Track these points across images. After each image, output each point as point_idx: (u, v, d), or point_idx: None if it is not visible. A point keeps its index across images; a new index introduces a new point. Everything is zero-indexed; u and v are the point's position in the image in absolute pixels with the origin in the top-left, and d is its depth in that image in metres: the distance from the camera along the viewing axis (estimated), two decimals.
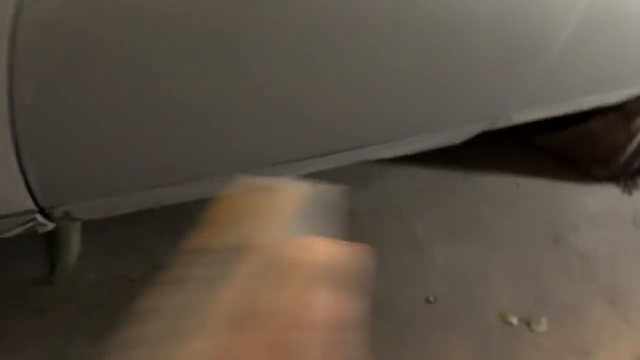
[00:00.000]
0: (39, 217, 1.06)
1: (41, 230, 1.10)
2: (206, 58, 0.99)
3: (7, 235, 1.07)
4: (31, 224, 1.06)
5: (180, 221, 1.77)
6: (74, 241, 1.57)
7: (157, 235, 1.72)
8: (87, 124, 0.98)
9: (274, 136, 1.22)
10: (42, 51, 0.85)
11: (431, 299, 1.72)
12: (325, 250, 0.29)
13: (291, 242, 0.29)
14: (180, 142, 1.09)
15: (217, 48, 0.98)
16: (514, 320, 1.69)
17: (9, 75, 0.83)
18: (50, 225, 1.10)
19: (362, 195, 1.96)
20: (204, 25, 0.95)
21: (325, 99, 1.22)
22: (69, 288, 1.54)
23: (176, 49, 0.95)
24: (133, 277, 1.59)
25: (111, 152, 1.04)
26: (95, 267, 1.60)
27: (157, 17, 0.90)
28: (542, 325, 1.69)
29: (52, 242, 1.56)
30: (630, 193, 2.24)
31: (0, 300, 1.47)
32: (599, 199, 2.19)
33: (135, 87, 0.96)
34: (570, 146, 2.24)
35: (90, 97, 0.94)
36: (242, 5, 0.96)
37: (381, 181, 2.05)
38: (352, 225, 1.79)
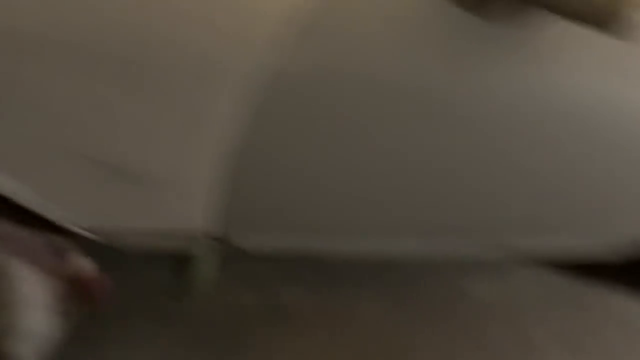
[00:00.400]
0: (206, 239, 1.16)
1: (198, 249, 1.19)
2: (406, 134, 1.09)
3: (165, 247, 1.17)
4: (197, 242, 1.16)
5: (304, 269, 1.85)
6: (214, 265, 1.68)
7: (282, 277, 1.80)
8: (290, 168, 1.08)
9: (445, 210, 1.27)
10: (274, 96, 0.98)
11: None
12: None
13: None
14: (361, 201, 1.17)
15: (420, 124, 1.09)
16: None
17: (239, 112, 0.96)
18: (211, 247, 1.19)
19: (489, 285, 1.94)
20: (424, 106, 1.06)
21: (495, 186, 1.26)
22: (196, 306, 1.64)
23: (388, 117, 1.06)
24: (251, 310, 1.67)
25: (299, 197, 1.13)
26: (224, 291, 1.70)
27: (381, 88, 1.02)
28: None
29: (192, 261, 1.68)
30: None
31: (129, 303, 1.60)
32: None
33: (346, 145, 1.07)
34: None
35: (303, 147, 1.05)
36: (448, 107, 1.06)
37: (511, 275, 2.01)
38: (469, 312, 1.76)
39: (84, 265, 1.04)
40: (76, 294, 1.03)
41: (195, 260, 1.65)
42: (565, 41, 1.14)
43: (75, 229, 1.01)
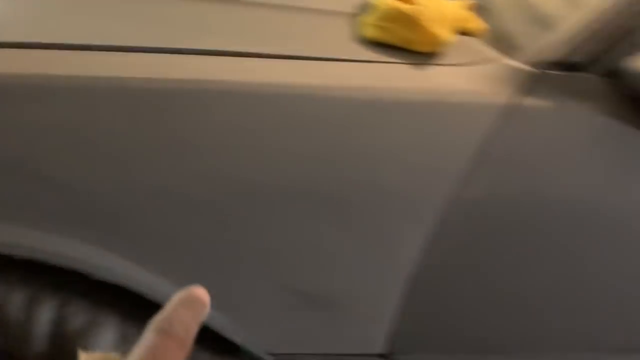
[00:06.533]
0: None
1: None
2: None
3: None
4: None
5: None
6: None
7: None
8: (465, 289, 1.09)
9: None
10: (461, 224, 1.02)
11: None
12: None
13: None
14: (533, 319, 1.16)
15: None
16: None
17: (428, 236, 1.01)
18: None
19: None
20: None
21: None
22: None
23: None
24: None
25: (472, 318, 1.13)
26: None
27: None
28: None
29: None
30: None
31: None
32: None
33: (523, 264, 1.09)
34: None
35: (480, 269, 1.07)
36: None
37: None
38: None
39: None
40: None
41: None
42: None
43: (263, 355, 1.06)
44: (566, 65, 1.03)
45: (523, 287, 1.12)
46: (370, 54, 1.04)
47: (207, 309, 0.33)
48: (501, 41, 1.15)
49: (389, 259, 1.04)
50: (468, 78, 1.02)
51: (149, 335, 0.30)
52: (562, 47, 1.03)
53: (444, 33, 1.05)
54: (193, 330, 0.31)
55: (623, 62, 1.02)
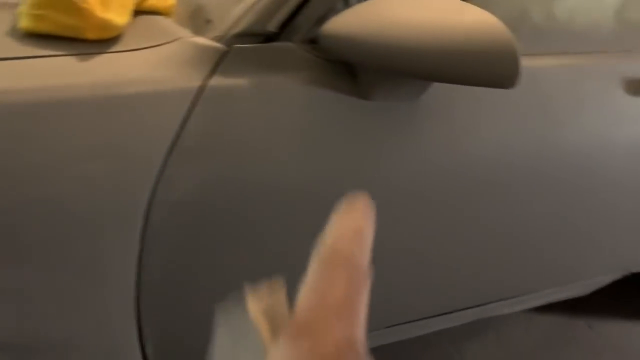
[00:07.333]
0: None
1: None
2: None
3: None
4: None
5: None
6: None
7: None
8: (206, 294, 0.99)
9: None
10: (171, 228, 0.90)
11: None
12: None
13: None
14: None
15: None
16: None
17: (139, 251, 0.89)
18: None
19: (474, 345, 1.73)
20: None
21: (471, 256, 1.26)
22: None
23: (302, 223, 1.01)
24: None
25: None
26: None
27: (285, 194, 0.97)
28: None
29: None
30: None
31: None
32: None
33: (257, 261, 1.01)
34: None
35: (210, 272, 0.98)
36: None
37: (495, 329, 1.81)
38: None
39: None
40: None
41: None
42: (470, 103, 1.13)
43: None
44: (261, 36, 0.95)
45: (264, 276, 1.04)
46: (25, 49, 0.86)
47: (373, 216, 0.28)
48: (194, 17, 1.04)
49: (100, 287, 0.89)
50: (151, 63, 0.89)
51: (316, 262, 0.27)
52: (252, 17, 0.94)
53: (117, 15, 0.91)
54: (365, 247, 0.27)
55: (319, 27, 0.96)
